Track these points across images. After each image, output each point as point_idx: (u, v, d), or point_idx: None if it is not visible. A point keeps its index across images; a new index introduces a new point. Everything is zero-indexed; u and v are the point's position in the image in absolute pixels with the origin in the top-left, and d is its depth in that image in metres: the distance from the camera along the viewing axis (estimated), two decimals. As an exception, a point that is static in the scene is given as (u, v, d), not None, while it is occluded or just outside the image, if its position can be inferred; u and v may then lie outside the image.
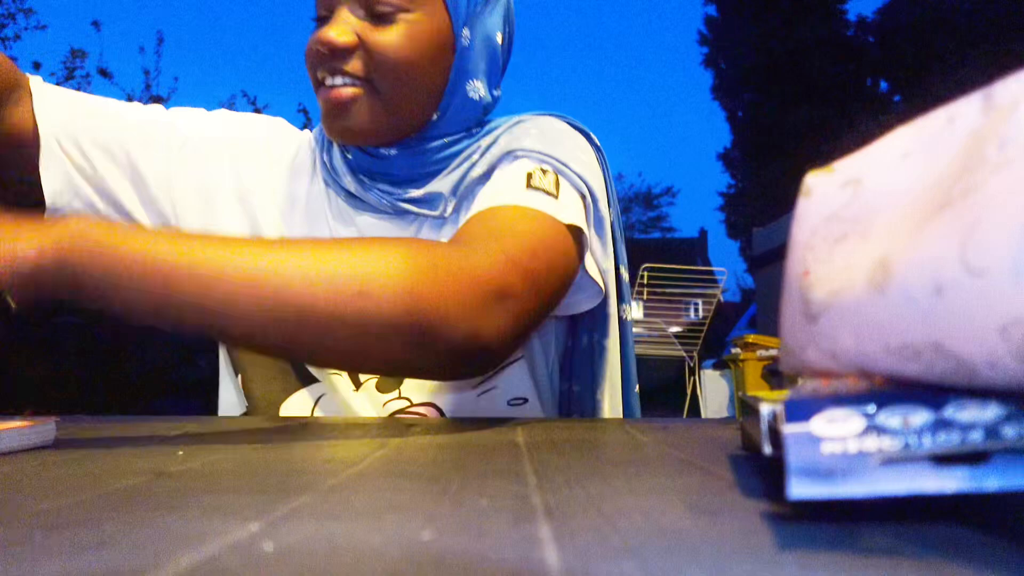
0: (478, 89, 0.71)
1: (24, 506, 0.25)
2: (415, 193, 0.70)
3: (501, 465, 0.34)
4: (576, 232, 0.63)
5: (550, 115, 0.74)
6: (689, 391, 4.77)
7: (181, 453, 0.39)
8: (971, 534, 0.20)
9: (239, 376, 0.74)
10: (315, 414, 0.71)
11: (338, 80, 0.66)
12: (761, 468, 0.32)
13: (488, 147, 0.71)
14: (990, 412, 0.20)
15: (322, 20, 0.68)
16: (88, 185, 0.72)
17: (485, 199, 0.63)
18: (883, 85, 18.13)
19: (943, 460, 0.20)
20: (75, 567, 0.18)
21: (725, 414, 4.68)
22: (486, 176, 0.69)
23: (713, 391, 4.88)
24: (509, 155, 0.68)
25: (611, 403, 0.75)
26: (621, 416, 0.78)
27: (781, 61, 17.67)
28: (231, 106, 6.42)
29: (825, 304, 0.25)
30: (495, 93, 0.74)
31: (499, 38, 0.72)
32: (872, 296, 0.22)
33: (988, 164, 0.20)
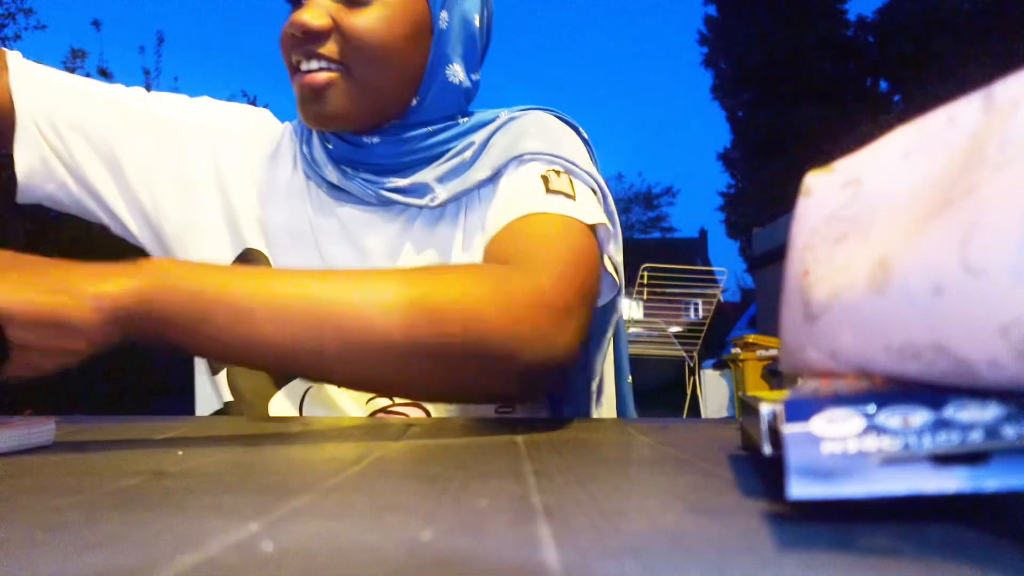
0: (457, 73, 0.71)
1: (24, 506, 0.25)
2: (400, 183, 0.70)
3: (501, 465, 0.34)
4: (594, 230, 0.63)
5: (537, 109, 0.74)
6: (689, 391, 4.77)
7: (181, 453, 0.39)
8: (971, 534, 0.20)
9: (222, 371, 0.74)
10: (303, 409, 0.71)
11: (313, 64, 0.66)
12: (761, 468, 0.32)
13: (483, 145, 0.70)
14: (990, 412, 0.20)
15: (296, 4, 0.67)
16: (63, 167, 0.71)
17: (507, 208, 0.63)
18: (883, 85, 18.13)
19: (943, 460, 0.20)
20: (75, 567, 0.18)
21: (725, 414, 4.68)
22: (491, 180, 0.69)
23: (713, 391, 4.88)
24: (516, 159, 0.68)
25: (604, 393, 0.75)
26: (615, 407, 0.78)
27: (781, 61, 17.67)
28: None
29: (825, 304, 0.25)
30: (474, 78, 0.74)
31: (477, 21, 0.72)
32: (872, 296, 0.22)
33: (988, 164, 0.20)
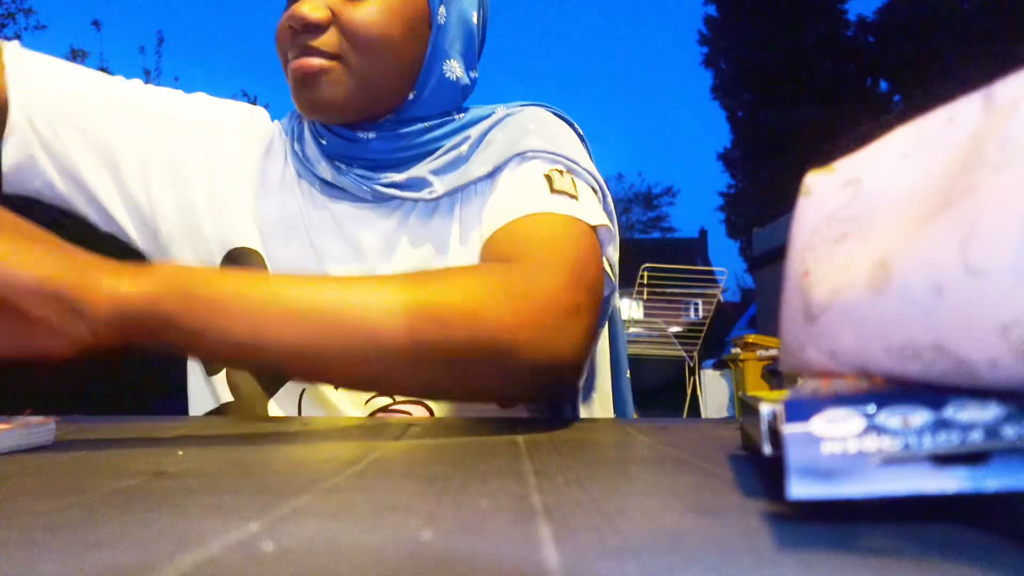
0: (455, 69, 0.71)
1: (24, 506, 0.25)
2: (397, 177, 0.70)
3: (501, 465, 0.34)
4: (595, 229, 0.63)
5: (534, 105, 0.74)
6: (689, 391, 4.77)
7: (181, 453, 0.39)
8: (971, 534, 0.20)
9: (222, 371, 0.73)
10: (301, 408, 0.71)
11: (309, 56, 0.66)
12: (761, 468, 0.32)
13: (479, 139, 0.70)
14: (990, 412, 0.20)
15: None
16: (52, 165, 0.71)
17: (510, 206, 0.63)
18: (883, 85, 18.14)
19: (943, 460, 0.20)
20: (75, 567, 0.18)
21: (725, 414, 4.68)
22: (490, 176, 0.69)
23: (713, 391, 4.88)
24: (518, 156, 0.68)
25: (601, 391, 0.75)
26: (612, 403, 0.78)
27: (781, 61, 17.67)
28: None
29: (825, 304, 0.25)
30: (472, 75, 0.74)
31: (475, 19, 0.72)
32: (872, 296, 0.22)
33: (988, 164, 0.20)
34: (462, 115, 0.73)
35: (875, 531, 0.21)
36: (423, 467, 0.35)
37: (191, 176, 0.75)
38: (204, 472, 0.33)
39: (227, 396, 0.73)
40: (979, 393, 0.20)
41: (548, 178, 0.64)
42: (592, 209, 0.63)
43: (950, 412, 0.20)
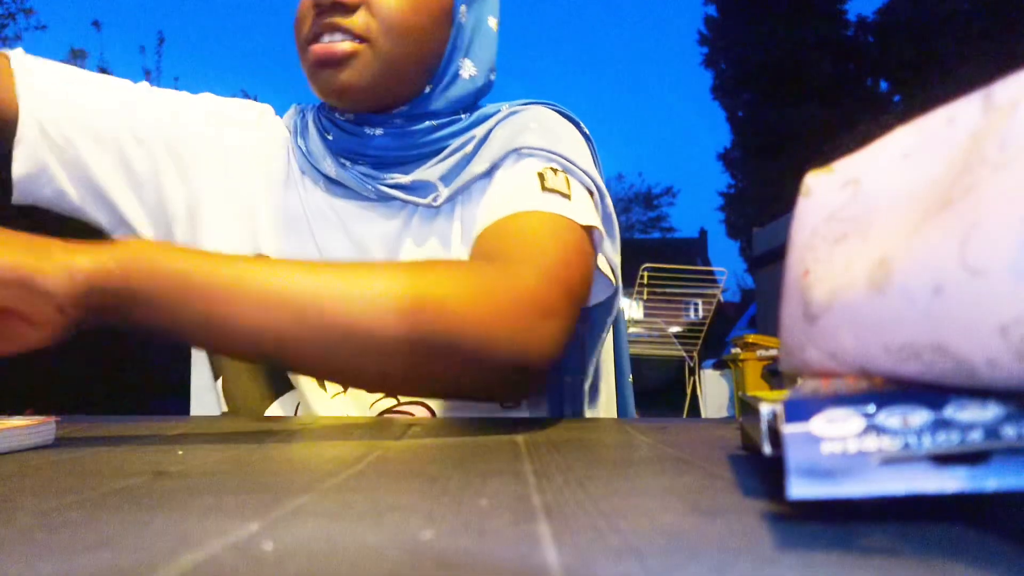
0: (469, 68, 0.71)
1: (24, 506, 0.25)
2: (402, 179, 0.69)
3: (501, 465, 0.34)
4: (588, 231, 0.63)
5: (540, 104, 0.74)
6: (689, 391, 4.77)
7: (181, 453, 0.39)
8: (971, 534, 0.20)
9: (219, 380, 0.73)
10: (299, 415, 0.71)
11: (337, 36, 0.65)
12: (761, 468, 0.32)
13: (483, 138, 0.70)
14: (990, 412, 0.20)
15: None
16: (64, 171, 0.71)
17: (500, 203, 0.63)
18: (883, 85, 18.14)
19: (943, 460, 0.20)
20: (75, 567, 0.18)
21: (725, 414, 4.68)
22: (488, 173, 0.68)
23: (713, 391, 4.88)
24: (514, 152, 0.67)
25: (605, 394, 0.75)
26: (615, 406, 0.78)
27: (781, 61, 17.67)
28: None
29: (825, 304, 0.25)
30: (491, 78, 0.74)
31: (493, 25, 0.73)
32: (872, 296, 0.22)
33: (988, 164, 0.20)
34: (468, 115, 0.73)
35: (875, 531, 0.21)
36: (423, 467, 0.35)
37: (202, 175, 0.74)
38: (204, 472, 0.33)
39: (227, 406, 0.73)
40: (979, 393, 0.20)
41: (541, 176, 0.64)
42: (584, 209, 0.63)
43: (950, 412, 0.20)
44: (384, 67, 0.66)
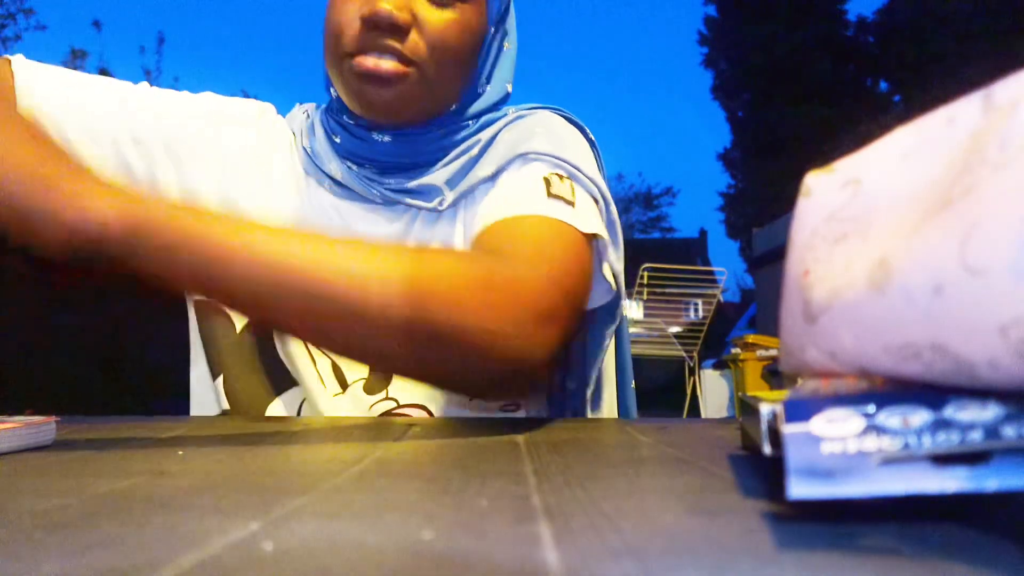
0: (494, 86, 0.73)
1: (24, 506, 0.25)
2: (407, 183, 0.69)
3: (501, 465, 0.34)
4: (591, 239, 0.63)
5: (546, 108, 0.74)
6: (689, 391, 4.77)
7: (181, 453, 0.39)
8: (971, 534, 0.20)
9: (218, 378, 0.73)
10: (300, 415, 0.71)
11: (386, 56, 0.64)
12: (761, 468, 0.32)
13: (489, 142, 0.70)
14: (990, 412, 0.20)
15: None
16: None
17: (504, 204, 0.62)
18: (883, 85, 18.14)
19: (943, 460, 0.20)
20: (75, 567, 0.18)
21: (725, 414, 4.68)
22: (493, 177, 0.68)
23: (713, 391, 4.88)
24: (520, 157, 0.67)
25: (608, 401, 0.75)
26: (617, 414, 0.78)
27: (781, 61, 17.68)
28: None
29: (825, 304, 0.25)
30: (508, 90, 0.75)
31: (510, 43, 0.75)
32: (872, 296, 0.22)
33: (988, 164, 0.20)
34: (476, 120, 0.73)
35: (875, 531, 0.21)
36: (423, 467, 0.35)
37: (201, 174, 0.74)
38: (204, 472, 0.33)
39: (227, 404, 0.73)
40: (979, 393, 0.20)
41: (547, 181, 0.63)
42: (588, 217, 0.63)
43: (950, 412, 0.20)
44: (427, 90, 0.67)
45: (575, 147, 0.69)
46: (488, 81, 0.73)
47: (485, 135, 0.71)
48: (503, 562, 0.18)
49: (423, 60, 0.65)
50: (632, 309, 5.12)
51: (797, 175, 0.32)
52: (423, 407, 0.69)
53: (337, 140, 0.71)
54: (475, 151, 0.70)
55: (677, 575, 0.17)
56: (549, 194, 0.62)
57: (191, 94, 0.79)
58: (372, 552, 0.19)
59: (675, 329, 5.24)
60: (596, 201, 0.66)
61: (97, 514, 0.24)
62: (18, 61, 0.70)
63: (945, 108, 0.24)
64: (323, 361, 0.70)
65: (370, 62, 0.64)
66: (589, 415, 0.74)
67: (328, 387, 0.70)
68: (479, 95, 0.72)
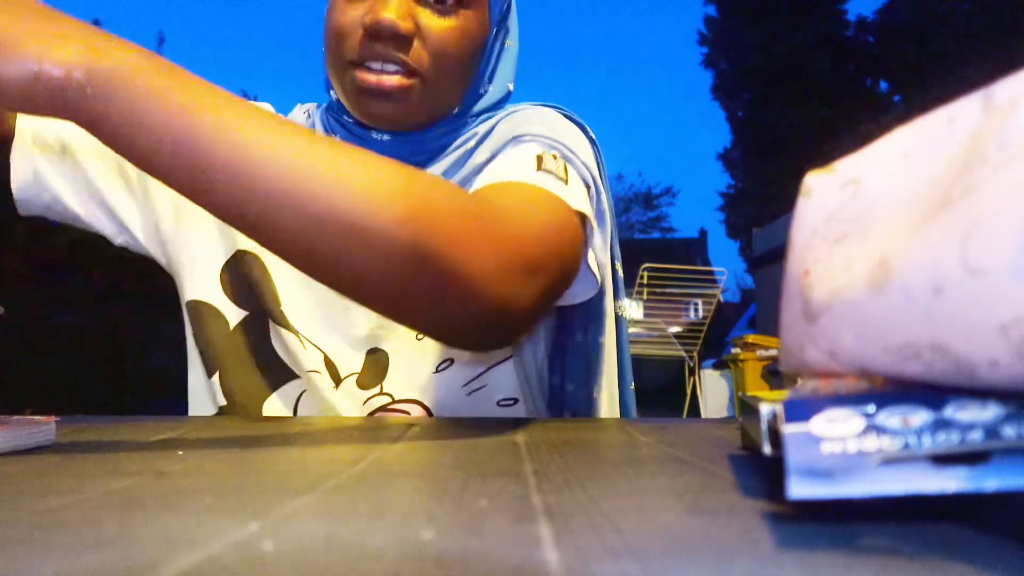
0: (495, 87, 0.73)
1: (24, 506, 0.25)
2: None
3: (501, 465, 0.34)
4: (581, 220, 0.61)
5: (546, 106, 0.74)
6: (689, 391, 4.78)
7: (181, 453, 0.39)
8: (971, 534, 0.20)
9: (215, 374, 0.73)
10: (297, 411, 0.71)
11: (389, 68, 0.63)
12: (761, 468, 0.32)
13: (486, 134, 0.70)
14: (990, 412, 0.20)
15: None
16: (62, 178, 0.71)
17: (495, 174, 0.60)
18: (883, 85, 18.15)
19: (943, 460, 0.20)
20: (75, 567, 0.18)
21: (725, 414, 4.68)
22: (488, 162, 0.68)
23: (713, 391, 4.88)
24: (515, 139, 0.66)
25: (607, 401, 0.75)
26: (617, 415, 0.78)
27: (781, 61, 17.68)
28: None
29: (825, 304, 0.25)
30: (509, 88, 0.75)
31: (512, 43, 0.75)
32: (872, 296, 0.22)
33: (988, 164, 0.20)
34: (475, 117, 0.73)
35: (875, 531, 0.21)
36: (423, 467, 0.35)
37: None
38: (204, 472, 0.33)
39: (224, 401, 0.73)
40: (979, 393, 0.20)
41: (539, 157, 0.62)
42: (578, 196, 0.61)
43: (950, 412, 0.20)
44: (430, 99, 0.66)
45: (572, 137, 0.68)
46: (490, 81, 0.73)
47: (483, 128, 0.71)
48: (503, 562, 0.18)
49: (426, 70, 0.65)
50: (632, 309, 5.12)
51: (797, 175, 0.32)
52: (419, 402, 0.69)
53: (337, 139, 0.72)
54: (472, 143, 0.70)
55: (677, 575, 0.17)
56: (539, 168, 0.61)
57: None
58: (372, 552, 0.19)
59: (675, 329, 5.25)
60: (588, 187, 0.65)
61: (97, 514, 0.24)
62: None
63: (945, 108, 0.24)
64: (317, 355, 0.70)
65: (373, 78, 0.64)
66: (589, 415, 0.74)
67: (328, 379, 0.70)
68: (481, 95, 0.73)
